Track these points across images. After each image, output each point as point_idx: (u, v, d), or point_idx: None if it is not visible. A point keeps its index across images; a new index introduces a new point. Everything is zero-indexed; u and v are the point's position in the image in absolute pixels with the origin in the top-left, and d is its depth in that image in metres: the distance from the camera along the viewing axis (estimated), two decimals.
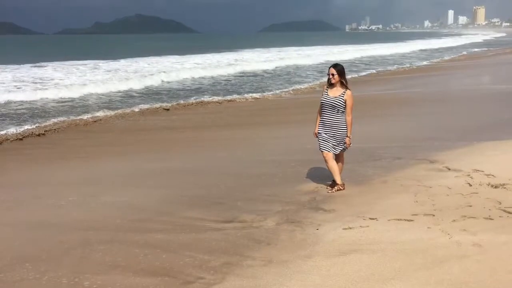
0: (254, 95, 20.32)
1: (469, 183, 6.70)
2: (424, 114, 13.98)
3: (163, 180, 8.06)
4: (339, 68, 6.72)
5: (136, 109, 16.61)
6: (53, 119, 14.75)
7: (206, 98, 19.35)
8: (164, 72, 29.59)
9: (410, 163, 8.14)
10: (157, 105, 17.65)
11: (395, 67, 34.69)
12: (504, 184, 6.51)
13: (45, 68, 33.88)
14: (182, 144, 11.50)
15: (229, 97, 19.64)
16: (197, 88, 23.50)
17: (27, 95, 19.94)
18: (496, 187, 6.47)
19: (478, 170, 7.23)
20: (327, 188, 6.97)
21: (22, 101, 18.77)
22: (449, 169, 7.51)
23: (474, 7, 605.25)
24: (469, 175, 7.07)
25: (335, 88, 6.75)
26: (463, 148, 8.93)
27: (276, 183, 7.46)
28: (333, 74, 6.66)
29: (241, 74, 30.66)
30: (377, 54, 51.56)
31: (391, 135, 10.97)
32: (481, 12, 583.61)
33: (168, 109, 16.72)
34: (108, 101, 19.18)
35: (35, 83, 24.76)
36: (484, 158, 7.99)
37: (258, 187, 7.29)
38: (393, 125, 12.59)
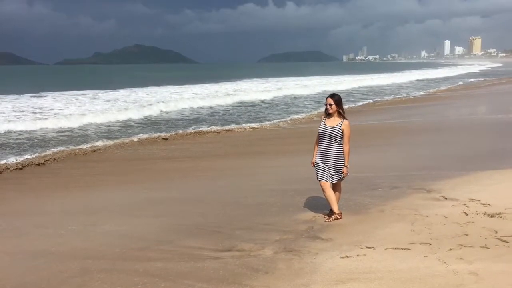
0: (252, 124, 20.48)
1: (465, 212, 6.76)
2: (420, 143, 14.11)
3: (162, 209, 8.11)
4: (336, 98, 6.80)
5: (135, 139, 16.71)
6: (52, 149, 14.83)
7: (204, 128, 19.48)
8: (162, 102, 29.86)
9: (407, 192, 8.21)
10: (156, 135, 17.76)
11: (392, 97, 35.00)
12: (500, 213, 6.57)
13: (45, 98, 34.18)
14: (180, 173, 11.57)
15: (227, 127, 19.79)
16: (196, 118, 23.68)
17: (27, 125, 20.07)
18: (492, 216, 6.53)
19: (475, 199, 7.30)
20: (324, 217, 7.02)
21: (22, 131, 18.90)
22: (446, 198, 7.58)
23: (470, 38, 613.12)
24: (465, 204, 7.14)
25: (332, 118, 6.82)
26: (460, 177, 9.01)
27: (274, 212, 7.50)
28: (330, 104, 6.74)
29: (239, 104, 30.91)
30: (374, 84, 52.07)
31: (388, 164, 11.06)
32: (477, 42, 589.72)
33: (166, 139, 16.83)
34: (107, 131, 19.31)
35: (35, 113, 24.97)
36: (480, 187, 8.07)
37: (256, 216, 7.34)
38: (390, 154, 12.70)
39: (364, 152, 12.23)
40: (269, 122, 21.47)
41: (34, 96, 35.07)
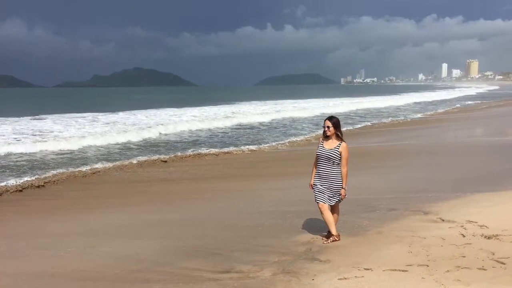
0: (251, 147, 20.57)
1: (462, 234, 6.81)
2: (418, 165, 14.19)
3: (161, 231, 8.14)
4: (334, 120, 6.87)
5: (134, 161, 16.78)
6: (52, 171, 14.89)
7: (203, 150, 19.56)
8: (161, 124, 30.01)
9: (405, 214, 8.25)
10: (155, 157, 17.83)
11: (389, 119, 35.19)
12: (497, 235, 6.62)
13: (45, 120, 34.36)
14: (180, 195, 11.61)
15: (226, 149, 19.86)
16: (194, 140, 23.77)
17: (27, 147, 20.16)
18: (489, 238, 6.57)
19: (472, 221, 7.35)
20: (322, 239, 7.06)
21: (21, 153, 18.98)
22: (443, 220, 7.63)
23: (467, 61, 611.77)
24: (462, 226, 7.19)
25: (330, 140, 6.87)
26: (457, 199, 9.06)
27: (273, 234, 7.54)
28: (328, 127, 6.81)
29: (238, 127, 31.07)
30: (372, 106, 52.41)
31: (386, 187, 11.10)
32: (475, 65, 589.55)
33: (165, 161, 16.90)
34: (106, 153, 19.38)
35: (35, 135, 25.08)
36: (477, 209, 8.12)
37: (255, 238, 7.38)
38: (388, 176, 12.76)
39: (362, 174, 12.30)
40: (268, 145, 21.55)
41: (34, 119, 35.28)
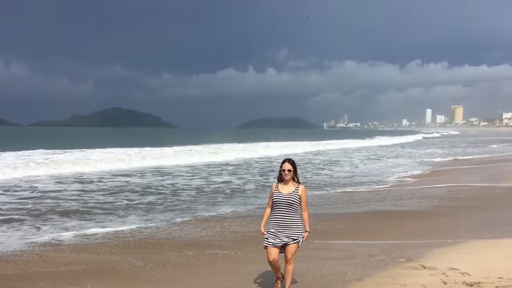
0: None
1: (444, 282, 6.69)
2: None
3: None
4: (293, 162, 6.36)
5: None
6: None
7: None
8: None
9: (386, 261, 8.11)
10: None
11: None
12: (479, 283, 6.52)
13: None
14: None
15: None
16: None
17: None
18: (471, 285, 6.47)
19: (454, 269, 7.26)
20: None
21: None
22: (425, 267, 7.51)
23: (452, 107, 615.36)
24: (444, 273, 7.08)
25: (287, 184, 6.33)
26: (439, 246, 8.99)
27: None
28: (289, 170, 6.26)
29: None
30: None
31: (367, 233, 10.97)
32: (459, 111, 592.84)
33: None
34: None
35: None
36: (459, 256, 8.05)
37: None
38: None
39: (342, 220, 12.18)
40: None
41: None
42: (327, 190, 18.54)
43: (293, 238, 6.18)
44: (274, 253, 6.20)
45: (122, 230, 11.24)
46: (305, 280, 7.02)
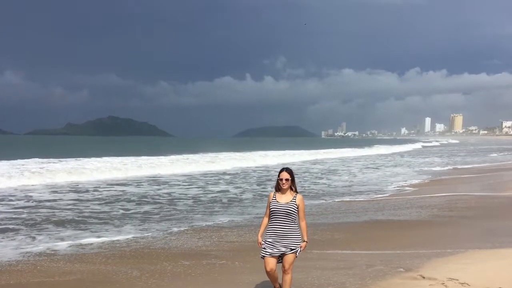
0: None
1: None
2: None
3: None
4: (290, 171, 6.32)
5: None
6: None
7: None
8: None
9: (384, 271, 8.03)
10: None
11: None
12: None
13: None
14: None
15: None
16: None
17: None
18: None
19: (453, 279, 7.19)
20: None
21: None
22: (424, 277, 7.44)
23: (451, 115, 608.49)
24: (443, 283, 7.02)
25: (285, 194, 6.28)
26: (438, 256, 8.92)
27: None
28: (287, 179, 6.22)
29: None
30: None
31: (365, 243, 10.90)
32: (459, 120, 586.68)
33: None
34: None
35: None
36: (459, 266, 7.99)
37: None
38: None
39: (340, 230, 12.10)
40: None
41: None
42: (325, 200, 18.46)
43: (291, 248, 6.11)
44: (271, 263, 6.13)
45: (118, 240, 11.13)
46: None
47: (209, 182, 25.64)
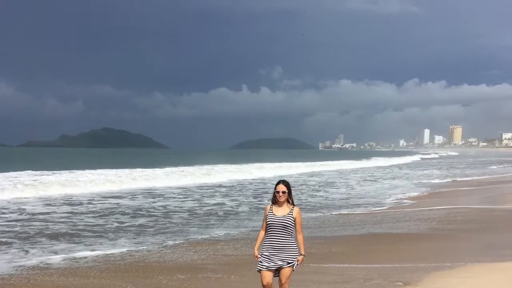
0: None
1: None
2: None
3: None
4: (287, 183, 6.20)
5: None
6: None
7: None
8: None
9: (383, 285, 7.93)
10: None
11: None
12: None
13: None
14: None
15: None
16: None
17: None
18: None
19: None
20: None
21: None
22: None
23: (450, 127, 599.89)
24: None
25: (281, 206, 6.16)
26: (437, 270, 8.83)
27: None
28: (284, 192, 6.11)
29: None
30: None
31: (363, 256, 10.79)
32: (458, 131, 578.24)
33: None
34: None
35: None
36: (458, 280, 7.91)
37: None
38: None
39: (338, 243, 11.98)
40: None
41: None
42: (323, 212, 18.35)
43: (287, 262, 6.01)
44: (268, 277, 6.02)
45: (112, 254, 10.97)
46: None
47: (205, 195, 25.47)
